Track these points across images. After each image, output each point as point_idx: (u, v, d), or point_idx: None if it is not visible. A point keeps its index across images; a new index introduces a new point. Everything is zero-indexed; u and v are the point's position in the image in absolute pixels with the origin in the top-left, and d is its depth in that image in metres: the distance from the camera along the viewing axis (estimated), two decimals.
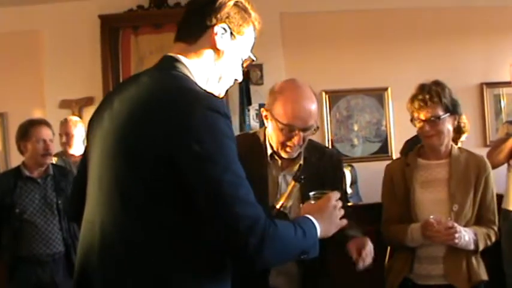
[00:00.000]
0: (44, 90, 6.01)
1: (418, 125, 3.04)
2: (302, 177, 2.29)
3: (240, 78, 1.88)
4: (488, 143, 5.90)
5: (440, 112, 2.98)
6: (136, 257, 1.58)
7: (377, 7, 6.03)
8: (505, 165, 4.59)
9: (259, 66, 5.77)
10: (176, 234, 1.57)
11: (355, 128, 5.93)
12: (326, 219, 1.85)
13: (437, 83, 3.09)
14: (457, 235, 2.81)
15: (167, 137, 1.53)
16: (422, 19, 6.09)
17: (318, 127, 2.62)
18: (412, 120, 3.09)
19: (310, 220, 1.76)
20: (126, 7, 5.97)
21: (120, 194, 1.60)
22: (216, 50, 1.76)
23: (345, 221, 1.95)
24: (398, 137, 6.06)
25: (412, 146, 5.29)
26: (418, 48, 6.07)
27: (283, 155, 2.62)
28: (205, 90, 1.67)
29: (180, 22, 1.82)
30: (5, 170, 5.23)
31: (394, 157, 6.05)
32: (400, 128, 6.05)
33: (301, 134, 2.53)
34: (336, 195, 1.95)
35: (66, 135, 4.91)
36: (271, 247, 1.55)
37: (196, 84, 1.69)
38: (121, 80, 5.94)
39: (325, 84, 5.91)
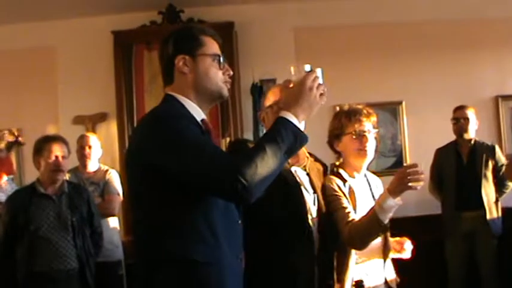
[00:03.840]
0: (58, 106, 6.03)
1: None
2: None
3: (230, 73, 2.29)
4: (503, 154, 5.84)
5: None
6: (142, 228, 2.16)
7: (390, 20, 6.02)
8: None
9: (273, 81, 5.75)
10: (164, 210, 2.07)
11: None
12: (304, 104, 2.09)
13: None
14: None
15: (143, 149, 2.09)
16: (436, 32, 6.06)
17: None
18: None
19: (282, 121, 2.04)
20: (139, 23, 5.99)
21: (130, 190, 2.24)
22: (187, 75, 2.23)
23: (325, 98, 2.13)
24: (413, 151, 6.03)
25: (442, 154, 5.32)
26: (432, 62, 6.05)
27: None
28: (169, 110, 2.21)
29: (161, 73, 2.35)
30: (20, 186, 5.24)
31: None
32: (415, 142, 6.02)
33: None
34: (311, 75, 2.13)
35: (89, 148, 4.96)
36: (250, 172, 1.91)
37: (170, 107, 2.23)
38: (134, 96, 5.97)
39: (339, 98, 5.85)
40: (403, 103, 6.09)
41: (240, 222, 2.26)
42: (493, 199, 5.14)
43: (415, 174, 2.56)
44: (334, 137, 2.94)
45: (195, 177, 1.98)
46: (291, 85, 2.19)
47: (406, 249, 2.99)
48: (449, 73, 6.06)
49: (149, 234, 2.11)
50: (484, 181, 5.15)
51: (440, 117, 5.71)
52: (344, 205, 2.79)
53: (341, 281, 2.79)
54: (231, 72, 2.30)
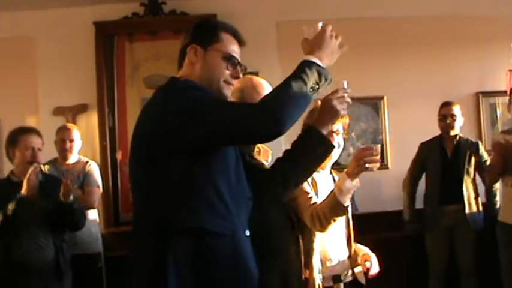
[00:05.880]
0: (38, 97, 5.96)
1: None
2: None
3: (239, 76, 2.31)
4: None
5: None
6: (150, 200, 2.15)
7: (373, 16, 6.03)
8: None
9: (255, 74, 5.75)
10: (176, 183, 2.06)
11: (351, 136, 5.91)
12: (326, 49, 2.22)
13: None
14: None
15: (161, 119, 2.06)
16: (418, 28, 6.09)
17: None
18: None
19: (306, 62, 2.16)
20: (121, 14, 5.94)
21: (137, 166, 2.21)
22: (195, 65, 2.25)
23: (346, 47, 2.28)
24: (394, 146, 6.06)
25: (427, 149, 5.39)
26: (414, 57, 6.07)
27: None
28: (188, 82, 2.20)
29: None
30: None
31: (390, 166, 6.03)
32: (396, 137, 6.04)
33: None
34: (329, 27, 2.27)
35: (70, 142, 4.91)
36: (277, 113, 2.00)
37: (183, 81, 2.21)
38: (115, 88, 5.94)
39: (321, 92, 5.89)
40: (385, 98, 6.11)
41: (250, 200, 2.27)
42: (473, 195, 5.20)
43: (371, 156, 2.69)
44: None
45: (237, 134, 2.05)
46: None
47: (369, 265, 3.01)
48: (431, 69, 6.08)
49: (160, 207, 2.09)
50: (466, 177, 5.21)
51: (422, 113, 5.74)
52: (306, 190, 2.88)
53: (308, 265, 2.85)
54: (240, 76, 2.32)
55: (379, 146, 2.76)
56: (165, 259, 2.03)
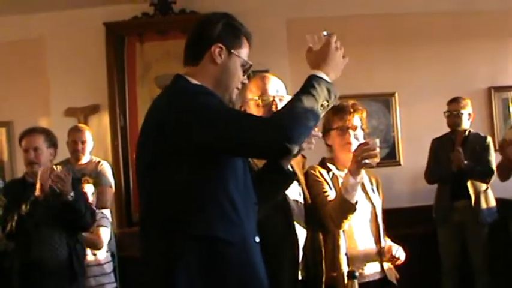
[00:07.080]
0: (50, 99, 6.00)
1: None
2: None
3: (246, 82, 2.30)
4: (496, 147, 5.84)
5: None
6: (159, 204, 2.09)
7: (384, 12, 6.01)
8: None
9: (265, 72, 5.74)
10: (187, 189, 2.02)
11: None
12: (331, 63, 2.17)
13: None
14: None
15: (179, 126, 1.99)
16: (430, 24, 6.06)
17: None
18: None
19: (314, 78, 2.11)
20: (131, 14, 5.96)
21: (144, 163, 2.16)
22: (217, 65, 2.18)
23: (347, 59, 2.21)
24: (406, 143, 6.04)
25: (438, 144, 5.36)
26: (426, 53, 6.04)
27: None
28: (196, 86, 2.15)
29: (184, 49, 2.28)
30: (11, 178, 5.22)
31: (402, 163, 6.01)
32: (407, 134, 6.02)
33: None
34: (334, 37, 2.23)
35: (82, 143, 4.93)
36: (288, 129, 1.96)
37: (193, 85, 2.15)
38: (126, 88, 5.97)
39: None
40: (396, 94, 6.09)
41: (256, 205, 2.25)
42: (482, 188, 5.15)
43: (368, 151, 2.72)
44: (324, 131, 2.99)
45: (244, 146, 2.01)
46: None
47: (395, 258, 3.00)
48: (443, 65, 6.06)
49: (168, 209, 2.06)
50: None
51: (433, 109, 5.71)
52: (324, 189, 2.91)
53: (335, 263, 2.86)
54: (246, 82, 2.33)
55: (377, 140, 2.77)
56: (175, 264, 2.00)
